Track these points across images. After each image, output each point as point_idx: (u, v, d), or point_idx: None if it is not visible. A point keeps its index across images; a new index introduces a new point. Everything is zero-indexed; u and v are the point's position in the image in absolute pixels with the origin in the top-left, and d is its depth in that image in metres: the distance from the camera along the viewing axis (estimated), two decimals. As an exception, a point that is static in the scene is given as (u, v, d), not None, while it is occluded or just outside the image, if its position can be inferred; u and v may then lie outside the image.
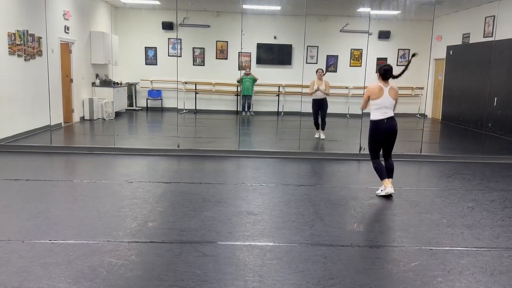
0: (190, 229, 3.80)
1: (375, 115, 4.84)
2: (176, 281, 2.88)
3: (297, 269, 3.11)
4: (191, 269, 3.05)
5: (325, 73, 8.81)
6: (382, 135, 4.86)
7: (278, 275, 3.02)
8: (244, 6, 11.62)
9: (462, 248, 3.56)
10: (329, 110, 8.84)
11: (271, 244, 3.55)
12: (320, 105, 8.66)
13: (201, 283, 2.87)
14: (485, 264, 3.29)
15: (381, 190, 4.93)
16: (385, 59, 13.65)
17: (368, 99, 4.89)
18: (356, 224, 4.07)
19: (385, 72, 4.79)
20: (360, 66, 13.31)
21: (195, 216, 4.13)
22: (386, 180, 4.90)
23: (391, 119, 4.82)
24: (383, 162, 5.02)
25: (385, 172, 4.92)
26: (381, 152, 5.06)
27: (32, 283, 2.80)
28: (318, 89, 8.39)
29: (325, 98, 8.61)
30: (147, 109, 13.45)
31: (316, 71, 8.60)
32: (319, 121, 8.79)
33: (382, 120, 4.80)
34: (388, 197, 4.86)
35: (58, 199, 4.62)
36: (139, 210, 4.23)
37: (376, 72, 4.94)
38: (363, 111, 5.02)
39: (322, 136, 8.73)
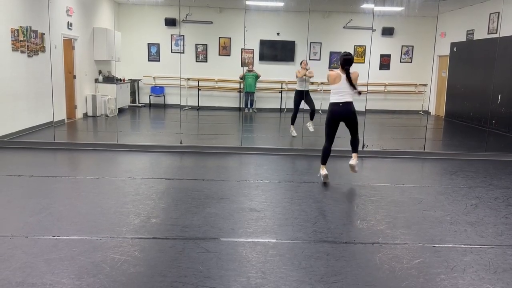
0: (193, 225, 3.80)
1: (332, 99, 5.19)
2: (179, 277, 2.88)
3: (300, 265, 3.11)
4: (194, 265, 3.05)
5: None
6: (337, 117, 5.18)
7: (281, 271, 3.02)
8: (247, 3, 11.58)
9: (466, 246, 3.55)
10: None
11: (274, 240, 3.55)
12: (304, 96, 8.31)
13: (204, 279, 2.87)
14: (489, 261, 3.28)
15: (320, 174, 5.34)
16: (389, 55, 13.63)
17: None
18: (359, 221, 4.06)
19: (344, 61, 5.14)
20: (364, 62, 13.24)
21: (197, 212, 4.13)
22: (323, 166, 5.29)
23: (346, 104, 5.13)
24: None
25: (327, 159, 5.32)
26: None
27: (36, 278, 2.81)
28: (305, 74, 8.25)
29: (308, 90, 8.37)
30: (149, 105, 13.46)
31: (301, 63, 8.55)
32: (308, 114, 8.49)
33: (338, 103, 5.14)
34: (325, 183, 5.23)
35: (61, 195, 4.64)
36: (142, 206, 4.24)
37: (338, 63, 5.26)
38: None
39: (311, 129, 8.53)
